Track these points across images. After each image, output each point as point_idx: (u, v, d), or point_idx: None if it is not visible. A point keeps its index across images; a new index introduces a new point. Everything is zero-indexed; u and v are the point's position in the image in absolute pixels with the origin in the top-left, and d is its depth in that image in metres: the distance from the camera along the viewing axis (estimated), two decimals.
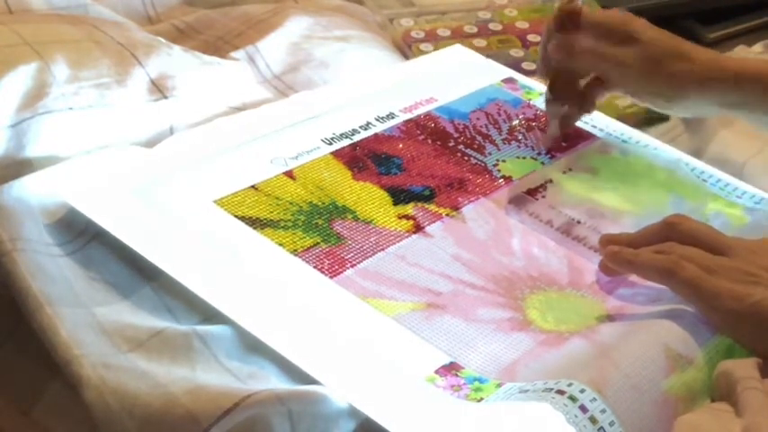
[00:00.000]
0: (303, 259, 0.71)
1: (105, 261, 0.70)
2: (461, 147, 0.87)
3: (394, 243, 0.75)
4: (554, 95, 0.87)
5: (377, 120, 0.87)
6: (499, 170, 0.85)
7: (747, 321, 0.67)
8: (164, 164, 0.77)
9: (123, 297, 0.68)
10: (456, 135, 0.88)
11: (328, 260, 0.72)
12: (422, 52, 1.05)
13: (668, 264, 0.69)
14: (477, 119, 0.91)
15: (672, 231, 0.73)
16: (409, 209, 0.78)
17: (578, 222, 0.80)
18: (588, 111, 0.89)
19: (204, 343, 0.64)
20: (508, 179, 0.84)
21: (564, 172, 0.85)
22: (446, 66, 0.99)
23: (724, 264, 0.69)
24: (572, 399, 0.60)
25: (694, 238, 0.72)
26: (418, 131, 0.88)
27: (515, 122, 0.91)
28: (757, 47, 1.12)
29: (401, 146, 0.85)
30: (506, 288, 0.73)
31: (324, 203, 0.77)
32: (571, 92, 0.87)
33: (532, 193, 0.83)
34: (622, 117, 0.96)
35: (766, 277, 0.68)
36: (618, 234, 0.77)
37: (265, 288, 0.68)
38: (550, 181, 0.84)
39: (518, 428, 0.60)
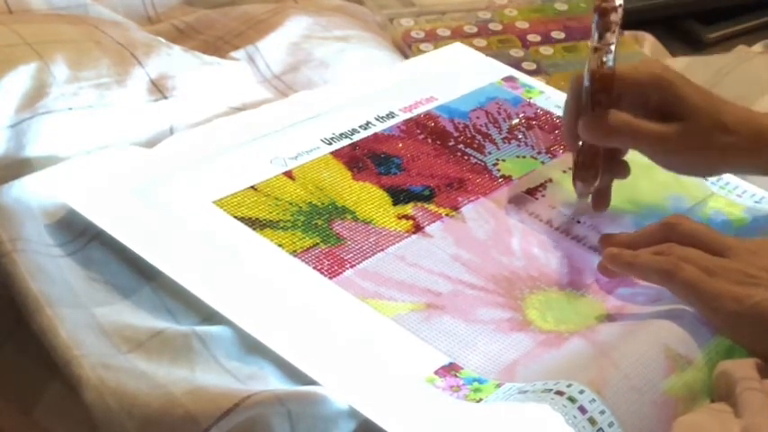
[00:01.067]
0: (302, 260, 0.71)
1: (105, 261, 0.70)
2: (461, 146, 0.87)
3: (393, 243, 0.75)
4: (583, 170, 0.79)
5: (376, 119, 0.87)
6: (499, 169, 0.85)
7: (747, 323, 0.66)
8: (163, 164, 0.77)
9: (123, 297, 0.68)
10: (456, 134, 0.88)
11: (328, 261, 0.72)
12: (422, 52, 1.05)
13: (667, 265, 0.69)
14: (477, 118, 0.91)
15: (671, 232, 0.73)
16: (409, 209, 0.78)
17: (578, 222, 0.80)
18: (624, 176, 0.81)
19: (204, 343, 0.64)
20: (508, 178, 0.84)
21: (564, 171, 0.85)
22: (446, 64, 0.99)
23: (724, 265, 0.69)
24: (571, 399, 0.60)
25: (694, 238, 0.72)
26: (418, 131, 0.88)
27: (515, 121, 0.91)
28: (757, 47, 1.12)
29: (401, 145, 0.85)
30: (506, 288, 0.73)
31: (323, 204, 0.77)
32: (599, 163, 0.79)
33: (532, 192, 0.83)
34: None
35: (766, 278, 0.68)
36: (617, 234, 0.77)
37: (265, 289, 0.68)
38: (550, 180, 0.84)
39: (517, 429, 0.60)
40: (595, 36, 0.76)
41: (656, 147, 0.77)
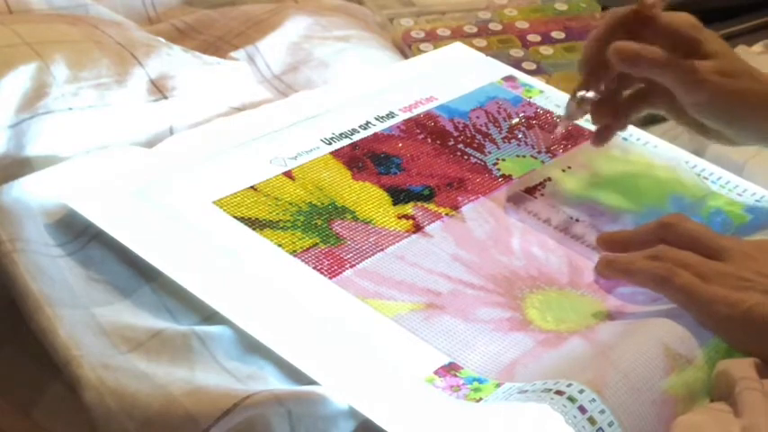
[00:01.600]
0: (302, 260, 0.71)
1: (105, 261, 0.70)
2: (461, 146, 0.87)
3: (393, 243, 0.75)
4: (586, 89, 0.80)
5: (376, 119, 0.87)
6: (499, 169, 0.85)
7: (741, 327, 0.66)
8: (163, 164, 0.77)
9: (123, 297, 0.68)
10: (456, 134, 0.88)
11: (327, 261, 0.72)
12: (422, 52, 1.05)
13: (662, 272, 0.69)
14: (477, 117, 0.91)
15: (667, 232, 0.73)
16: (409, 209, 0.78)
17: (577, 221, 0.80)
18: (623, 127, 0.83)
19: (203, 343, 0.64)
20: (508, 178, 0.84)
21: (563, 170, 0.85)
22: (446, 64, 0.99)
23: (719, 269, 0.69)
24: (571, 399, 0.60)
25: (691, 238, 0.72)
26: (418, 130, 0.88)
27: (515, 121, 0.91)
28: (757, 47, 1.12)
29: (401, 145, 0.85)
30: (506, 288, 0.73)
31: (323, 204, 0.77)
32: (609, 101, 0.81)
33: (531, 191, 0.83)
34: None
35: (760, 282, 0.67)
36: (616, 232, 0.77)
37: (265, 289, 0.68)
38: (549, 179, 0.84)
39: (517, 429, 0.60)
40: None
41: (685, 77, 0.77)
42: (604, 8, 1.16)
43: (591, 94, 0.81)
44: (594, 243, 0.77)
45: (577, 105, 0.81)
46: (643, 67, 0.78)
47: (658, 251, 0.71)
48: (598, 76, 0.80)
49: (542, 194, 0.82)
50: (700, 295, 0.68)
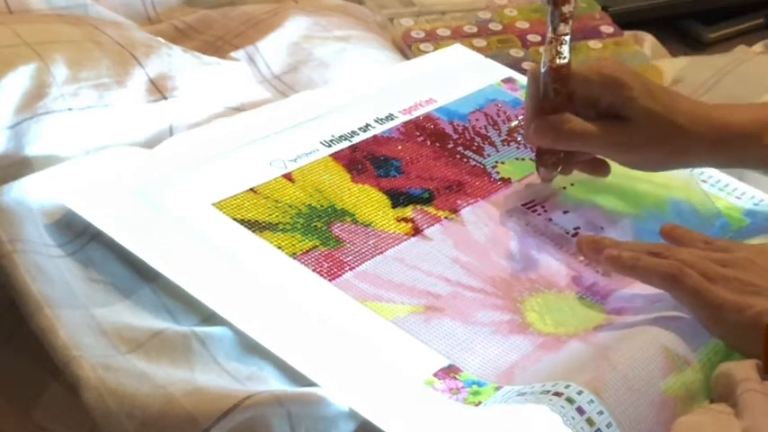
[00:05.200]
0: (302, 262, 0.71)
1: (105, 262, 0.70)
2: (460, 148, 0.87)
3: (393, 246, 0.75)
4: (545, 155, 0.81)
5: (376, 121, 0.87)
6: (498, 172, 0.85)
7: (748, 333, 0.66)
8: (163, 165, 0.77)
9: (123, 298, 0.68)
10: (455, 136, 0.88)
11: (327, 263, 0.72)
12: (422, 52, 1.05)
13: (672, 270, 0.68)
14: (477, 120, 0.91)
15: (669, 237, 0.74)
16: (408, 211, 0.78)
17: (575, 234, 0.79)
18: (604, 173, 0.82)
19: (203, 344, 0.64)
20: (507, 181, 0.84)
21: (564, 188, 0.84)
22: (445, 66, 0.99)
23: (725, 273, 0.69)
24: (569, 400, 0.60)
25: (692, 238, 0.73)
26: (417, 133, 0.88)
27: (515, 123, 0.91)
28: (757, 47, 1.12)
29: (400, 148, 0.85)
30: (505, 290, 0.73)
31: (323, 206, 0.77)
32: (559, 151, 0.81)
33: (532, 207, 0.81)
34: None
35: (765, 287, 0.67)
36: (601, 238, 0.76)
37: (264, 291, 0.68)
38: (550, 195, 0.83)
39: None
40: (550, 27, 0.77)
41: (608, 150, 0.78)
42: (604, 8, 1.17)
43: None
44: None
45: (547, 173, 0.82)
46: (564, 143, 0.78)
47: (663, 248, 0.71)
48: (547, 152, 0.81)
49: (545, 210, 0.81)
50: (708, 299, 0.67)
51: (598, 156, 0.81)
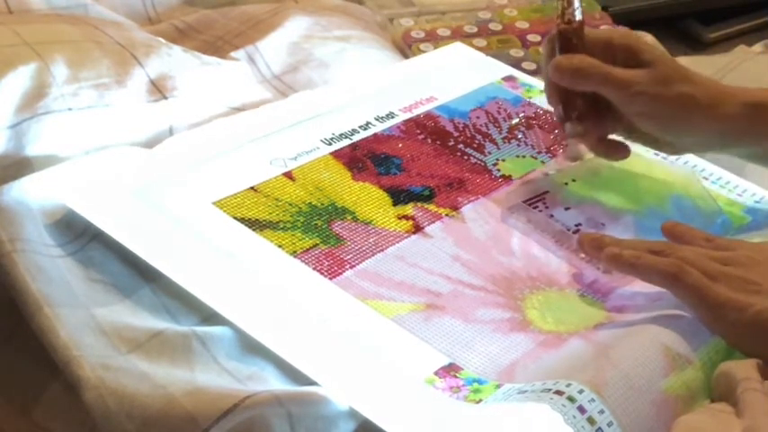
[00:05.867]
0: (302, 260, 0.71)
1: (105, 262, 0.70)
2: (461, 146, 0.87)
3: (393, 244, 0.75)
4: (569, 119, 0.81)
5: (376, 119, 0.87)
6: (499, 169, 0.85)
7: (748, 331, 0.66)
8: (163, 165, 0.77)
9: (123, 298, 0.68)
10: (456, 134, 0.88)
11: (327, 261, 0.72)
12: (422, 52, 1.05)
13: (672, 268, 0.68)
14: (477, 117, 0.91)
15: (670, 235, 0.73)
16: (409, 209, 0.78)
17: (576, 231, 0.79)
18: (623, 155, 0.83)
19: (203, 344, 0.64)
20: (508, 178, 0.84)
21: (566, 183, 0.84)
22: (446, 64, 0.99)
23: (725, 271, 0.68)
24: (570, 399, 0.60)
25: (693, 236, 0.73)
26: (418, 131, 0.88)
27: (515, 121, 0.91)
28: (757, 47, 1.12)
29: (401, 145, 0.85)
30: (506, 288, 0.73)
31: (323, 204, 0.77)
32: (588, 110, 0.81)
33: (533, 203, 0.82)
34: None
35: (766, 285, 0.67)
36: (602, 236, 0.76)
37: (265, 289, 0.68)
38: (548, 192, 0.83)
39: (517, 430, 0.60)
40: None
41: (622, 90, 0.79)
42: (604, 8, 1.17)
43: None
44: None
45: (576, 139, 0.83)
46: (582, 80, 0.79)
47: (664, 246, 0.71)
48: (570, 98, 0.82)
49: (546, 206, 0.81)
50: (709, 297, 0.67)
51: (615, 136, 0.82)
